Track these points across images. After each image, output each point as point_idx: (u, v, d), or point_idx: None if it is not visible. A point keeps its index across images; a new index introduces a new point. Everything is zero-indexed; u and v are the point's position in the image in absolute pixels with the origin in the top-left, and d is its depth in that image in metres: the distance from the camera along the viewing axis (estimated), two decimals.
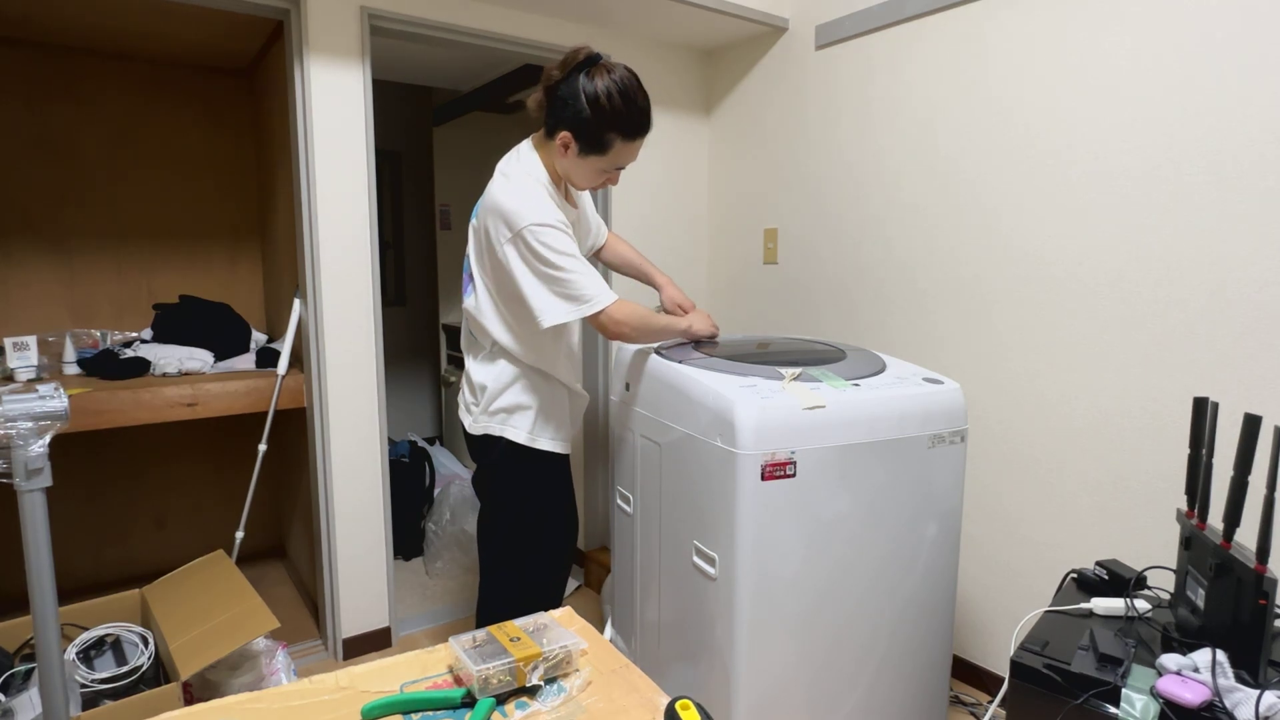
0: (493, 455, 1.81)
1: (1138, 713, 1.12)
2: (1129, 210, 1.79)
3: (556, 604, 1.76)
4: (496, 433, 1.77)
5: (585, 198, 1.89)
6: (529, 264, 1.60)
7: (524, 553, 1.85)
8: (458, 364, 3.99)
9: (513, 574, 1.89)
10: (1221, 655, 1.15)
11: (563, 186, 1.73)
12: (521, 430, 1.76)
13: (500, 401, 1.77)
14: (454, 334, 4.09)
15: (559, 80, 1.59)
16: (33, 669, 1.73)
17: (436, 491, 3.21)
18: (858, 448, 1.57)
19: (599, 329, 1.67)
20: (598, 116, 1.57)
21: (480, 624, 1.92)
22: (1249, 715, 1.06)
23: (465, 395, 1.85)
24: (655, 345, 1.87)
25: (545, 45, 2.50)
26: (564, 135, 1.60)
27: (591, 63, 1.58)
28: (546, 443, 1.78)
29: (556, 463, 1.82)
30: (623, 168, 1.70)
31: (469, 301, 1.77)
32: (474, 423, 1.80)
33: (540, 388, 1.77)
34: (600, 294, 1.62)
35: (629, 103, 1.58)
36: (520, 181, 1.64)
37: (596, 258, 2.04)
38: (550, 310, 1.61)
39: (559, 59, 1.61)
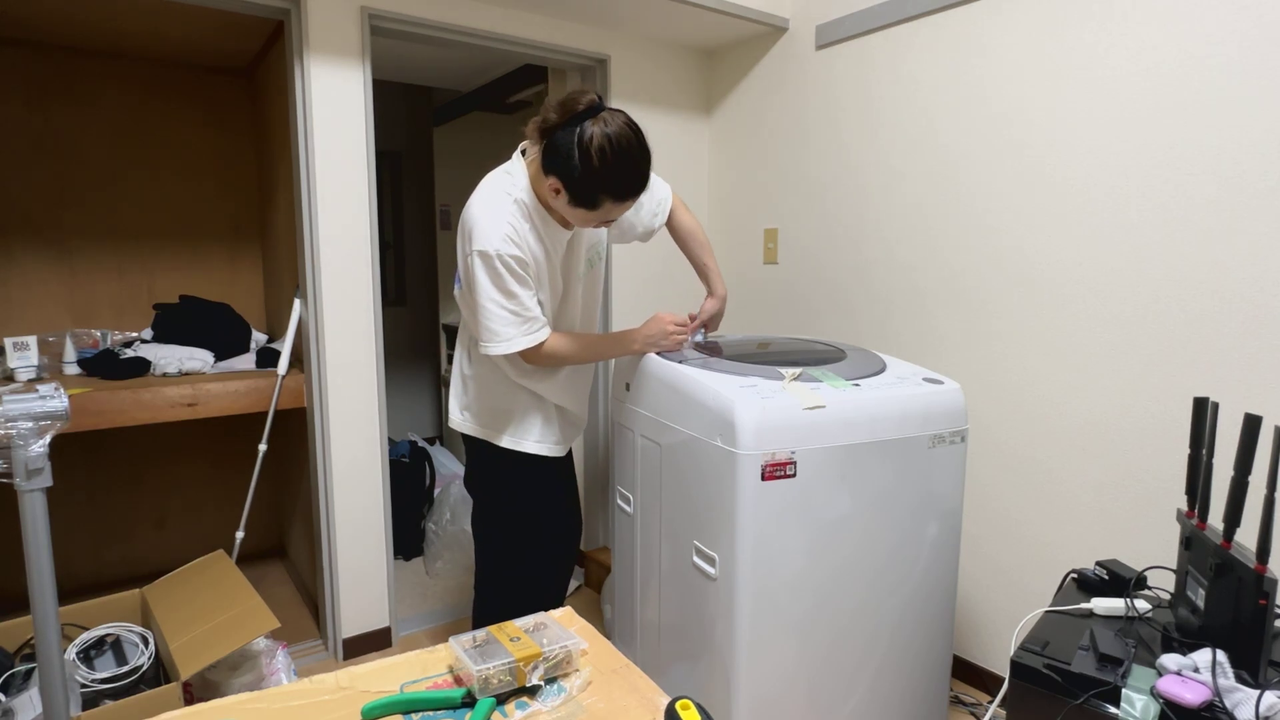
0: (482, 457, 1.80)
1: (1138, 713, 1.12)
2: (1130, 210, 1.79)
3: (555, 606, 1.76)
4: (482, 435, 1.76)
5: None
6: (477, 281, 1.57)
7: (517, 555, 1.84)
8: None
9: (506, 576, 1.87)
10: (1222, 655, 1.15)
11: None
12: (505, 435, 1.74)
13: (482, 403, 1.75)
14: (454, 334, 4.08)
15: (555, 125, 1.47)
16: (33, 669, 1.73)
17: (436, 491, 3.21)
18: (858, 448, 1.57)
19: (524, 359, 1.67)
20: (588, 176, 1.46)
21: (476, 625, 1.91)
22: (1249, 715, 1.06)
23: (453, 388, 1.83)
24: None
25: (545, 45, 2.50)
26: (554, 182, 1.50)
27: (592, 112, 1.46)
28: (532, 445, 1.75)
29: (548, 465, 1.80)
30: (613, 220, 1.62)
31: (457, 292, 1.77)
32: (460, 421, 1.80)
33: (521, 389, 1.74)
34: (502, 340, 1.59)
35: (623, 164, 1.47)
36: (496, 200, 1.57)
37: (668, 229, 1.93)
38: (478, 332, 1.61)
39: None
